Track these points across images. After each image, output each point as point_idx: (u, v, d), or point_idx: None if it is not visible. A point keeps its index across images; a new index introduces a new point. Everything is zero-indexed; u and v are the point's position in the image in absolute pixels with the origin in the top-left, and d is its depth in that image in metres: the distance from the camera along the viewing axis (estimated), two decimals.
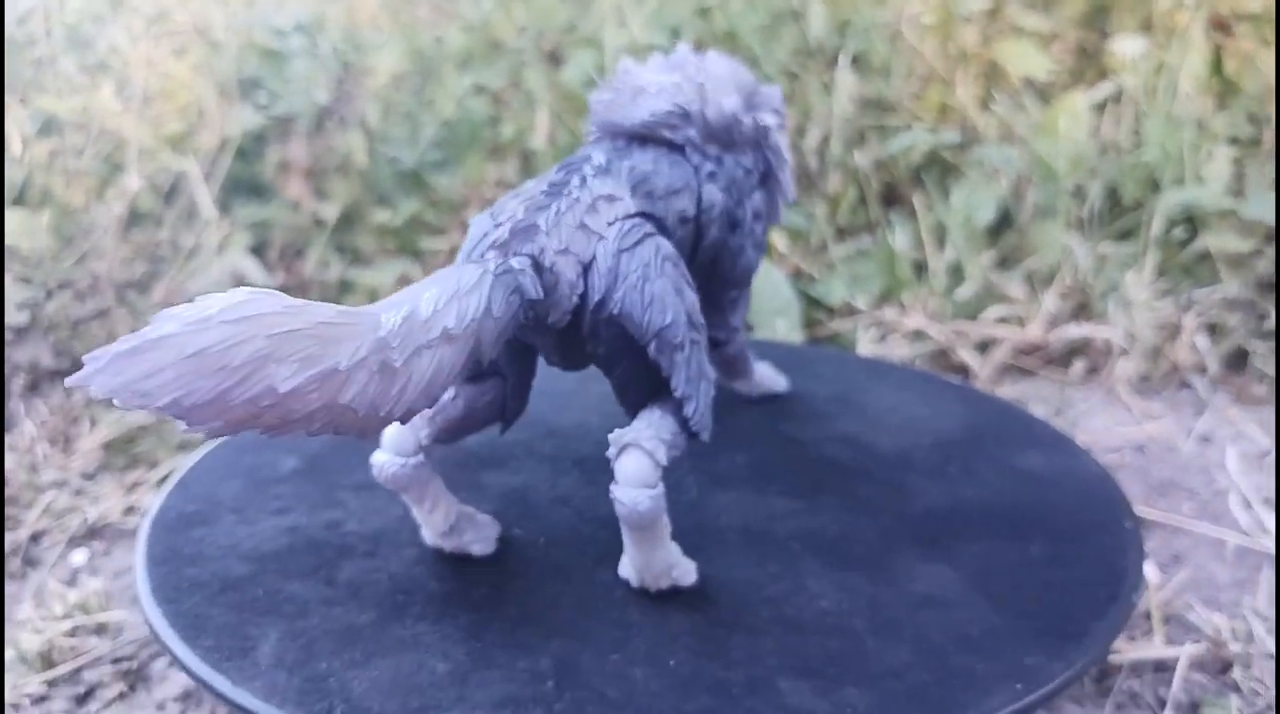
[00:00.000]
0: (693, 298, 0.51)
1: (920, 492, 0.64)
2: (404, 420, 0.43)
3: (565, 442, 0.70)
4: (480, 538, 0.57)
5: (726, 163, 0.61)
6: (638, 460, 0.48)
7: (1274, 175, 1.23)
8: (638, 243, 0.50)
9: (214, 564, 0.58)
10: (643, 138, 0.58)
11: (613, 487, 0.49)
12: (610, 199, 0.51)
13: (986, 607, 0.52)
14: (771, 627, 0.49)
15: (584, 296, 0.49)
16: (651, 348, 0.49)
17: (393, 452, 0.54)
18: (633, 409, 0.51)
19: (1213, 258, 1.19)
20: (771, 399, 0.78)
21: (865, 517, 0.61)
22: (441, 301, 0.43)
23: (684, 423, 0.50)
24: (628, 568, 0.52)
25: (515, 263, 0.47)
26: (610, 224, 0.50)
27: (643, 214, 0.52)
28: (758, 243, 0.64)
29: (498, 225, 0.49)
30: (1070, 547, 0.59)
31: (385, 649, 0.49)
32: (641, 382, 0.50)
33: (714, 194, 0.59)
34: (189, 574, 0.57)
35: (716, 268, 0.63)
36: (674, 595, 0.52)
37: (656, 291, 0.49)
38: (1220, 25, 1.34)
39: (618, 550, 0.54)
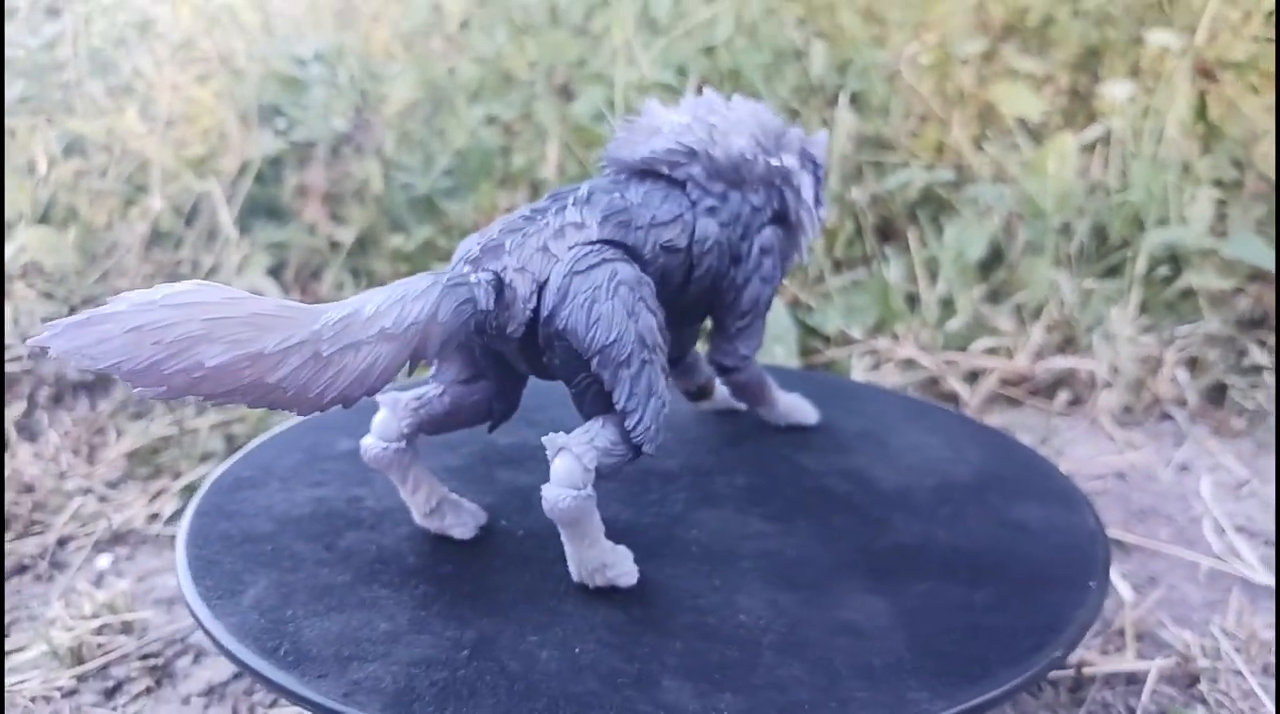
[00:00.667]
0: (650, 321, 0.56)
1: (896, 529, 0.65)
2: (344, 405, 0.49)
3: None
4: (460, 523, 0.63)
5: (732, 199, 0.64)
6: (566, 463, 0.54)
7: (1256, 216, 1.29)
8: (592, 267, 0.55)
9: (245, 521, 0.65)
10: (644, 172, 0.63)
11: (544, 486, 0.54)
12: (578, 226, 0.56)
13: (902, 641, 0.53)
14: (685, 632, 0.54)
15: (536, 312, 0.54)
16: (594, 362, 0.54)
17: (377, 436, 0.60)
18: (586, 418, 0.57)
19: (1195, 295, 1.24)
20: (799, 430, 0.78)
21: (830, 545, 0.62)
22: (385, 305, 0.49)
23: (626, 434, 0.55)
24: (570, 562, 0.58)
25: (477, 277, 0.53)
26: (570, 248, 0.55)
27: (608, 242, 0.57)
28: (766, 277, 0.67)
29: (478, 245, 0.56)
30: (1020, 598, 0.58)
31: (346, 606, 0.56)
32: (592, 394, 0.56)
33: (709, 227, 0.63)
34: (221, 527, 0.64)
35: (719, 297, 0.67)
36: (611, 593, 0.57)
37: (603, 312, 0.54)
38: (1205, 72, 1.40)
39: None
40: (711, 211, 0.63)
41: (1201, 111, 1.38)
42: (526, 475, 0.70)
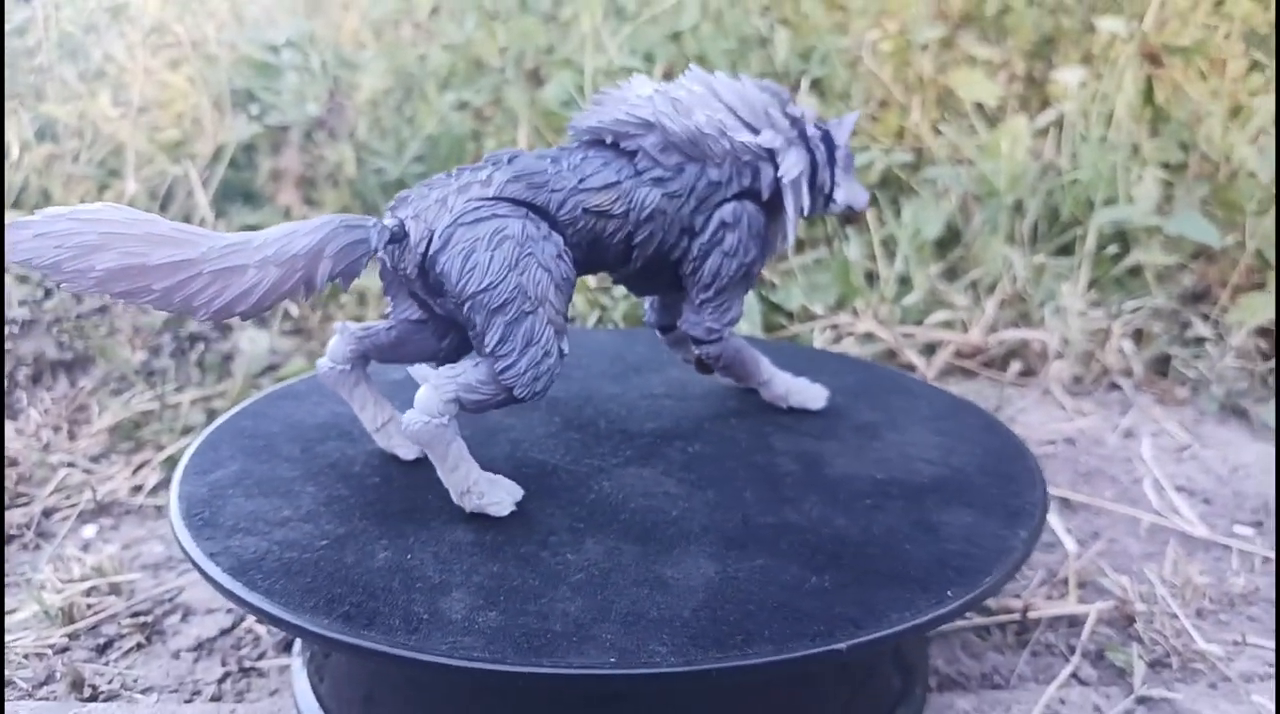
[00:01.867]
0: (540, 275, 0.59)
1: (798, 510, 0.63)
2: (231, 316, 0.56)
3: (605, 422, 0.75)
4: (404, 445, 0.69)
5: (687, 172, 0.66)
6: (425, 393, 0.60)
7: (1200, 196, 1.34)
8: (479, 220, 0.59)
9: (265, 420, 0.75)
10: (596, 141, 0.66)
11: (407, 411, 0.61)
12: (484, 183, 0.60)
13: (693, 603, 0.54)
14: (510, 559, 0.58)
15: (424, 256, 0.59)
16: (466, 307, 0.59)
17: (328, 357, 0.67)
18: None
19: (1142, 271, 1.29)
20: (801, 413, 0.77)
21: (716, 514, 0.63)
22: (274, 237, 0.56)
23: (495, 376, 0.60)
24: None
25: (376, 221, 0.59)
26: (466, 202, 0.59)
27: (507, 199, 0.60)
28: (729, 251, 0.68)
29: (399, 196, 0.63)
30: (849, 591, 0.56)
31: (275, 493, 0.65)
32: (476, 336, 0.60)
33: (650, 196, 0.65)
34: (244, 424, 0.75)
35: (678, 266, 0.69)
36: (480, 519, 0.62)
37: (479, 262, 0.58)
38: (1152, 58, 1.45)
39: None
40: (659, 182, 0.65)
41: (1149, 96, 1.43)
42: (525, 427, 0.75)
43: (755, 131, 0.68)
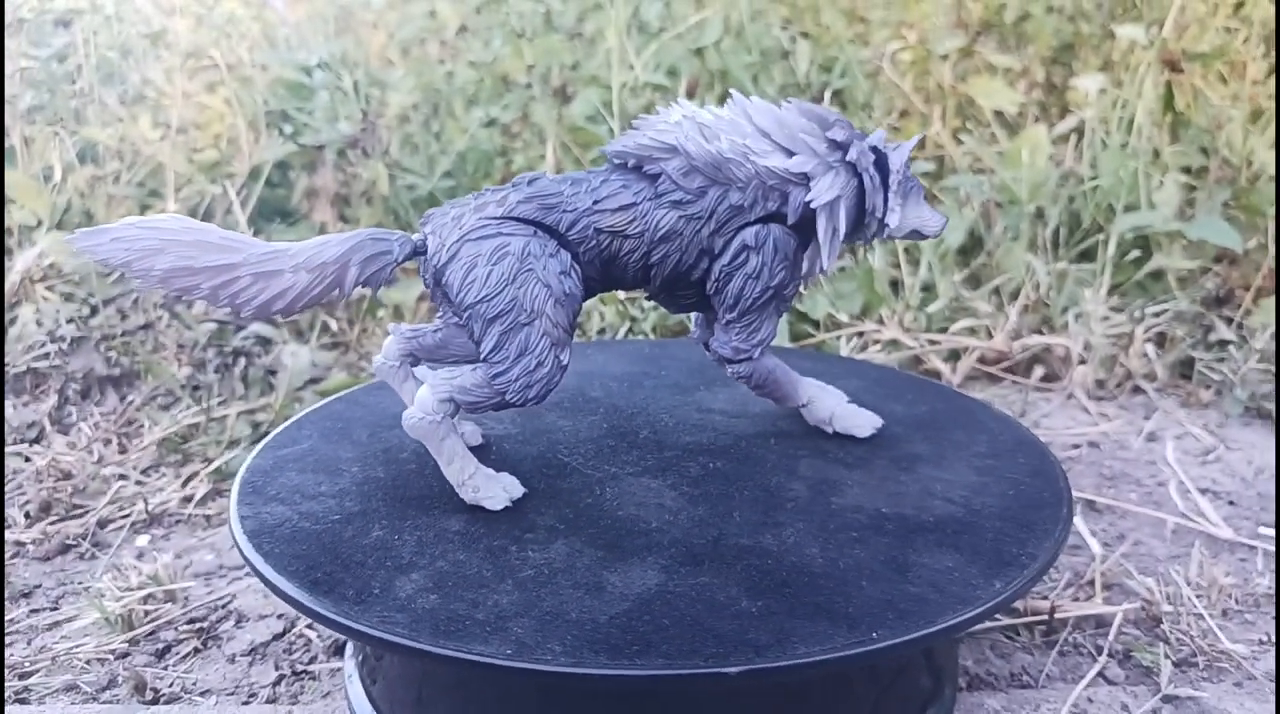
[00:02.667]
0: (538, 291, 0.63)
1: (749, 529, 0.63)
2: (269, 315, 0.63)
3: (647, 432, 0.78)
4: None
5: (709, 196, 0.68)
6: (423, 392, 0.65)
7: (1221, 200, 1.35)
8: (484, 237, 0.63)
9: (356, 407, 0.82)
10: (622, 164, 0.69)
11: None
12: (499, 203, 0.65)
13: (619, 611, 0.55)
14: (479, 551, 0.61)
15: (435, 268, 0.64)
16: (466, 316, 0.64)
17: (383, 355, 0.74)
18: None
19: (1164, 275, 1.30)
20: (846, 439, 0.76)
21: (698, 531, 0.63)
22: (308, 247, 0.63)
23: (490, 381, 0.64)
24: None
25: (403, 234, 0.66)
26: (477, 220, 0.64)
27: (516, 219, 0.64)
28: (752, 273, 0.68)
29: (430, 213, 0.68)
30: (715, 607, 0.56)
31: (321, 470, 0.72)
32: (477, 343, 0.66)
33: (666, 218, 0.67)
34: (337, 407, 0.83)
35: (702, 287, 0.71)
36: (475, 510, 0.66)
37: (479, 275, 0.63)
38: (1171, 64, 1.47)
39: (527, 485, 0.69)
40: (677, 204, 0.67)
41: (1169, 101, 1.45)
42: (572, 423, 0.79)
43: (789, 155, 0.68)
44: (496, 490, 0.66)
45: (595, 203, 0.66)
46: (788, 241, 0.69)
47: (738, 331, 0.72)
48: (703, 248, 0.69)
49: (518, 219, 0.64)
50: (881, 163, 0.70)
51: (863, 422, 0.77)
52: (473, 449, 0.72)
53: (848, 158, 0.68)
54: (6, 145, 1.47)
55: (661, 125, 0.68)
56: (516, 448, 0.74)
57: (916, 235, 0.73)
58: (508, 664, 0.52)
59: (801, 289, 0.76)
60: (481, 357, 0.64)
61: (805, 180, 0.68)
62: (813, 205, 0.68)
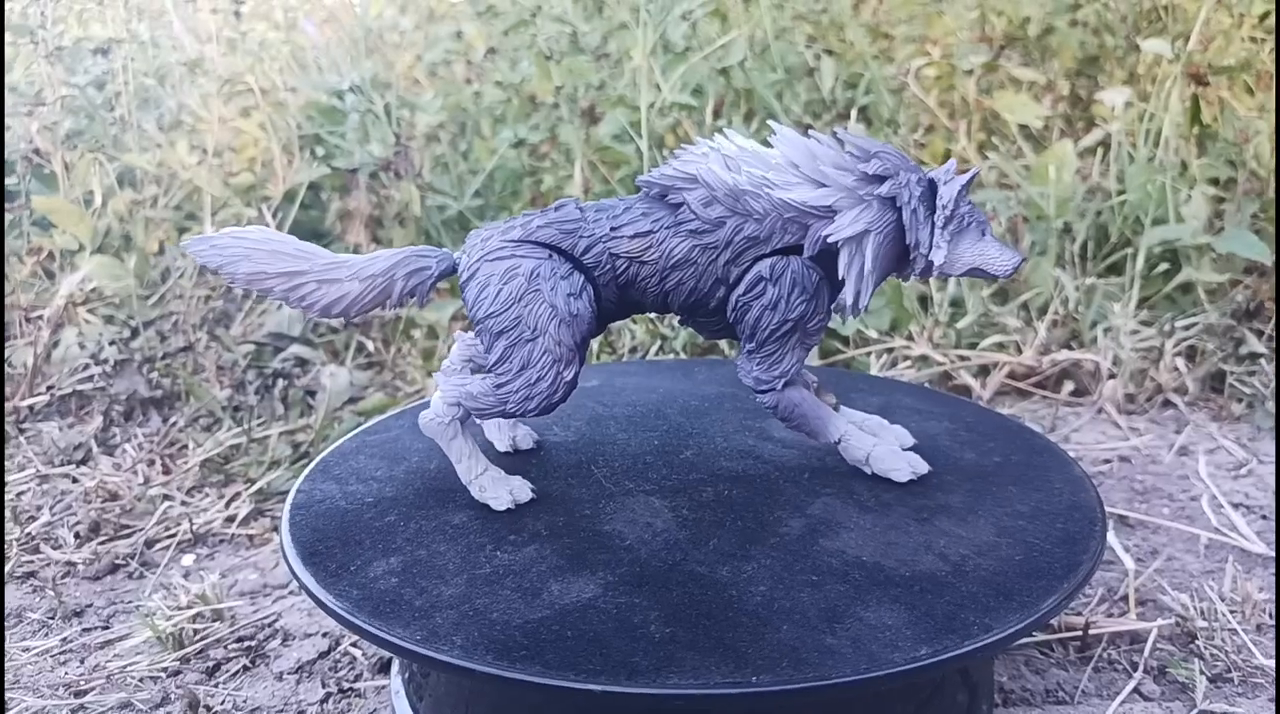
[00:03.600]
0: (542, 310, 0.67)
1: (739, 572, 0.63)
2: (330, 316, 0.70)
3: (690, 453, 0.78)
4: (500, 437, 0.80)
5: (727, 226, 0.69)
6: (435, 398, 0.71)
7: (1250, 212, 1.35)
8: (499, 258, 0.68)
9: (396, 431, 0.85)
10: (649, 193, 0.71)
11: None
12: (523, 227, 0.69)
13: (534, 618, 0.58)
14: (458, 546, 0.66)
15: (461, 285, 0.70)
16: (476, 328, 0.69)
17: (448, 360, 0.77)
18: None
19: (1193, 288, 1.31)
20: (885, 482, 0.73)
21: (663, 554, 0.65)
22: (362, 261, 0.70)
23: (495, 390, 0.69)
24: None
25: (443, 253, 0.71)
26: (498, 243, 0.69)
27: (533, 242, 0.68)
28: (769, 304, 0.69)
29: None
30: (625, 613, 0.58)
31: (391, 470, 0.77)
32: None
33: (679, 246, 0.69)
34: (403, 421, 0.86)
35: (722, 315, 0.72)
36: (481, 508, 0.70)
37: (489, 293, 0.68)
38: (1197, 77, 1.47)
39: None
40: (694, 233, 0.69)
41: (1195, 115, 1.45)
42: (626, 435, 0.82)
43: (817, 187, 0.67)
44: (502, 492, 0.71)
45: (613, 229, 0.69)
46: (809, 274, 0.69)
47: (759, 362, 0.72)
48: (718, 277, 0.69)
49: (535, 242, 0.69)
50: (929, 197, 0.67)
51: (900, 466, 0.73)
52: (520, 451, 0.78)
53: (882, 191, 0.67)
54: (48, 171, 1.51)
55: (689, 156, 0.70)
56: (559, 454, 0.78)
57: (980, 273, 0.69)
58: (408, 647, 0.56)
59: (842, 320, 0.75)
60: (487, 367, 0.69)
61: (829, 213, 0.67)
62: (829, 239, 0.67)
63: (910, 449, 0.77)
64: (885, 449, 0.74)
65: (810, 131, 0.69)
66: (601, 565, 0.63)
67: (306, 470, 0.77)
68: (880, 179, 0.67)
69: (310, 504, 0.72)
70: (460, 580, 0.62)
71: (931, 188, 0.68)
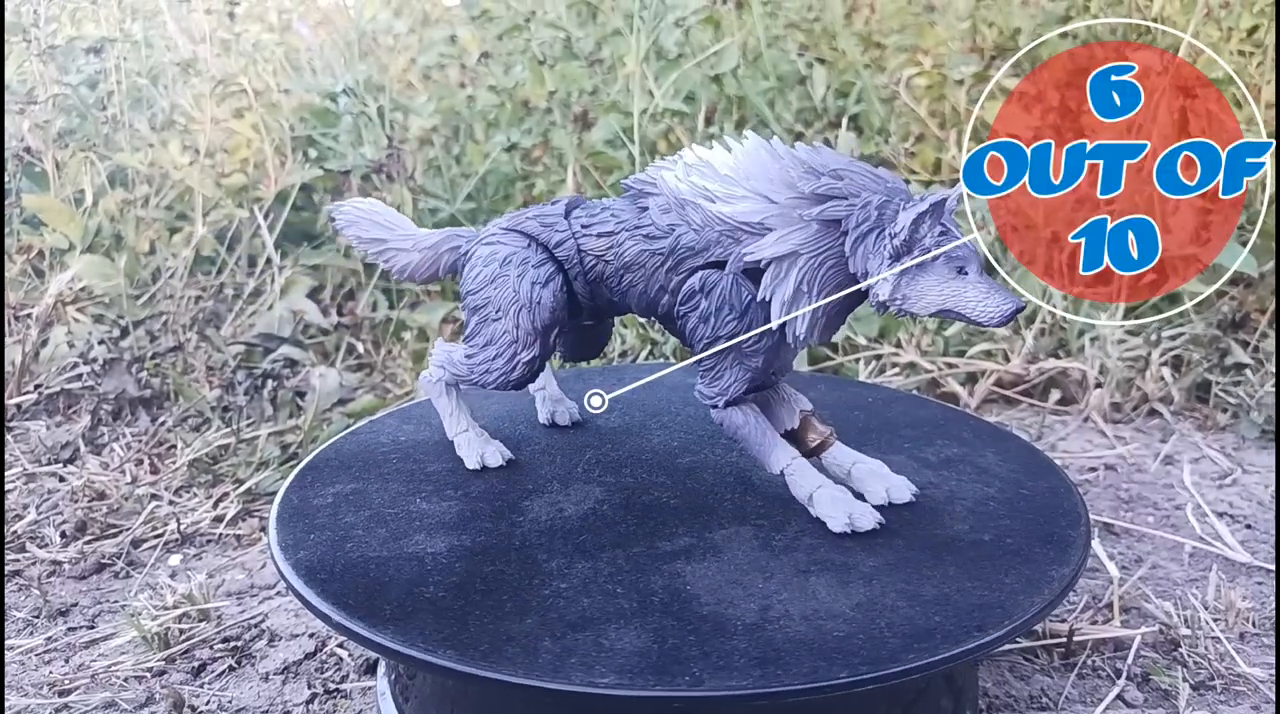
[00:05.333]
0: (509, 294, 0.70)
1: (592, 574, 0.63)
2: (405, 278, 0.79)
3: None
4: (563, 415, 0.85)
5: (674, 233, 0.68)
6: (430, 363, 0.78)
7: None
8: (489, 243, 0.73)
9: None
10: (628, 194, 0.72)
11: None
12: (515, 216, 0.73)
13: (455, 605, 0.60)
14: (399, 507, 0.71)
15: None
16: (462, 303, 0.74)
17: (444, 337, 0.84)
18: None
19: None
20: (896, 525, 0.68)
21: (568, 541, 0.66)
22: (424, 235, 0.77)
23: (464, 360, 0.74)
24: None
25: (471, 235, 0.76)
26: (493, 229, 0.73)
27: (517, 232, 0.72)
28: (703, 316, 0.67)
29: None
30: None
31: (421, 430, 0.85)
32: None
33: (631, 248, 0.69)
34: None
35: (671, 323, 0.71)
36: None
37: (473, 272, 0.72)
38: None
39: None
40: (648, 238, 0.68)
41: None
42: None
43: (760, 202, 0.64)
44: (473, 453, 0.77)
45: (584, 227, 0.71)
46: (739, 292, 0.66)
47: (702, 375, 0.69)
48: (661, 284, 0.69)
49: (518, 232, 0.72)
50: (881, 221, 0.62)
51: (837, 515, 0.66)
52: (557, 425, 0.83)
53: (821, 213, 0.63)
54: (39, 170, 1.50)
55: (668, 162, 0.70)
56: (579, 437, 0.82)
57: (959, 317, 0.62)
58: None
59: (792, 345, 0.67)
60: (462, 338, 0.75)
61: (763, 231, 0.64)
62: (748, 258, 0.64)
63: (902, 504, 0.70)
64: (829, 493, 0.67)
65: (798, 142, 0.66)
66: (494, 537, 0.67)
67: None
68: (825, 199, 0.63)
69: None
70: (375, 537, 0.66)
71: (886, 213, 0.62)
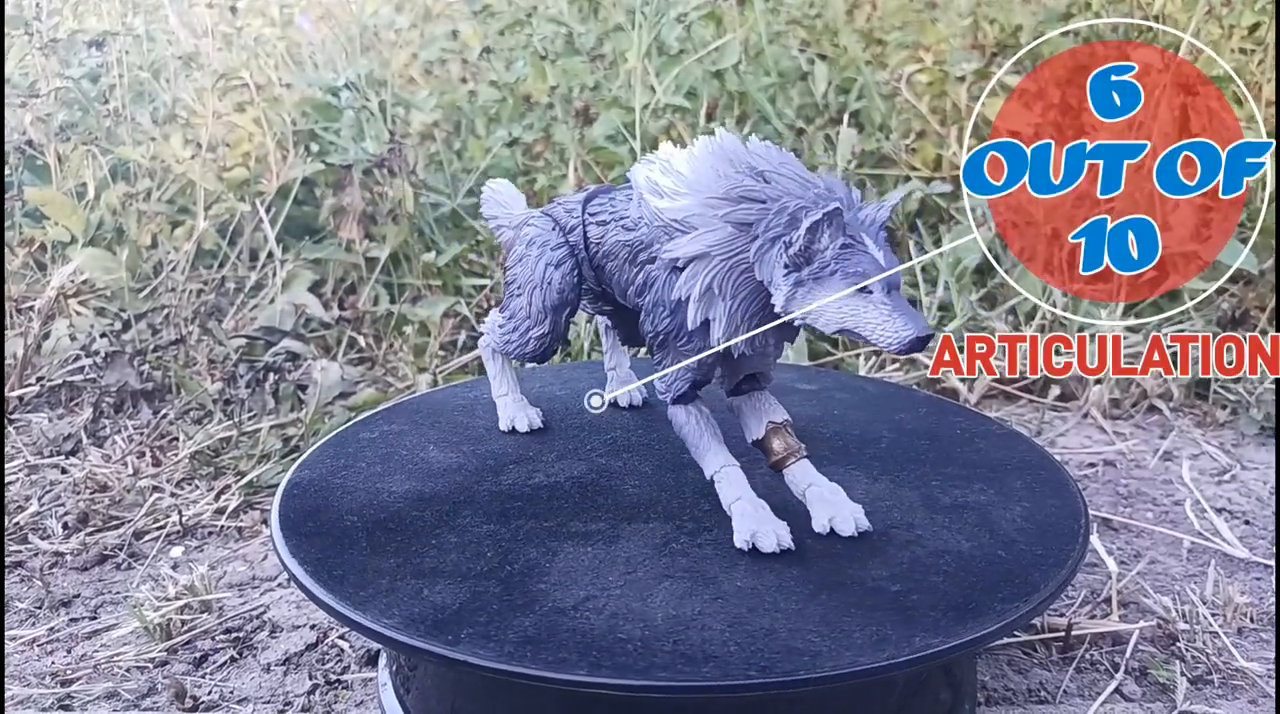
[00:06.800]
0: (529, 274, 0.75)
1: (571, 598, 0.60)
2: (508, 254, 0.81)
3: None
4: (624, 396, 0.87)
5: (640, 226, 0.68)
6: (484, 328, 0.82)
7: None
8: (528, 223, 0.77)
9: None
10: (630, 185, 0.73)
11: None
12: (552, 203, 0.77)
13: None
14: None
15: None
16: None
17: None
18: None
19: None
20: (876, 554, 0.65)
21: (546, 505, 0.71)
22: (519, 215, 0.82)
23: (497, 328, 0.78)
24: None
25: None
26: (536, 211, 0.78)
27: (547, 215, 0.75)
28: (647, 308, 0.67)
29: None
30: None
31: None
32: None
33: (611, 239, 0.70)
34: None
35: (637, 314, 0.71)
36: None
37: (514, 251, 0.77)
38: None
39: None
40: (626, 229, 0.69)
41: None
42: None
43: (695, 200, 0.63)
44: (505, 415, 0.82)
45: (591, 215, 0.73)
46: (669, 289, 0.65)
47: (656, 366, 0.68)
48: (627, 275, 0.69)
49: (549, 216, 0.75)
50: (791, 228, 0.59)
51: (741, 530, 0.63)
52: (618, 406, 0.85)
53: (732, 214, 0.61)
54: (41, 163, 1.51)
55: (650, 156, 0.69)
56: (622, 419, 0.85)
57: (859, 337, 0.59)
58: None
59: (748, 351, 0.64)
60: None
61: (689, 228, 0.63)
62: (665, 257, 0.64)
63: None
64: (745, 507, 0.64)
65: (763, 141, 0.64)
66: (469, 505, 0.70)
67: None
68: (740, 200, 0.61)
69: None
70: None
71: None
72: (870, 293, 0.58)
